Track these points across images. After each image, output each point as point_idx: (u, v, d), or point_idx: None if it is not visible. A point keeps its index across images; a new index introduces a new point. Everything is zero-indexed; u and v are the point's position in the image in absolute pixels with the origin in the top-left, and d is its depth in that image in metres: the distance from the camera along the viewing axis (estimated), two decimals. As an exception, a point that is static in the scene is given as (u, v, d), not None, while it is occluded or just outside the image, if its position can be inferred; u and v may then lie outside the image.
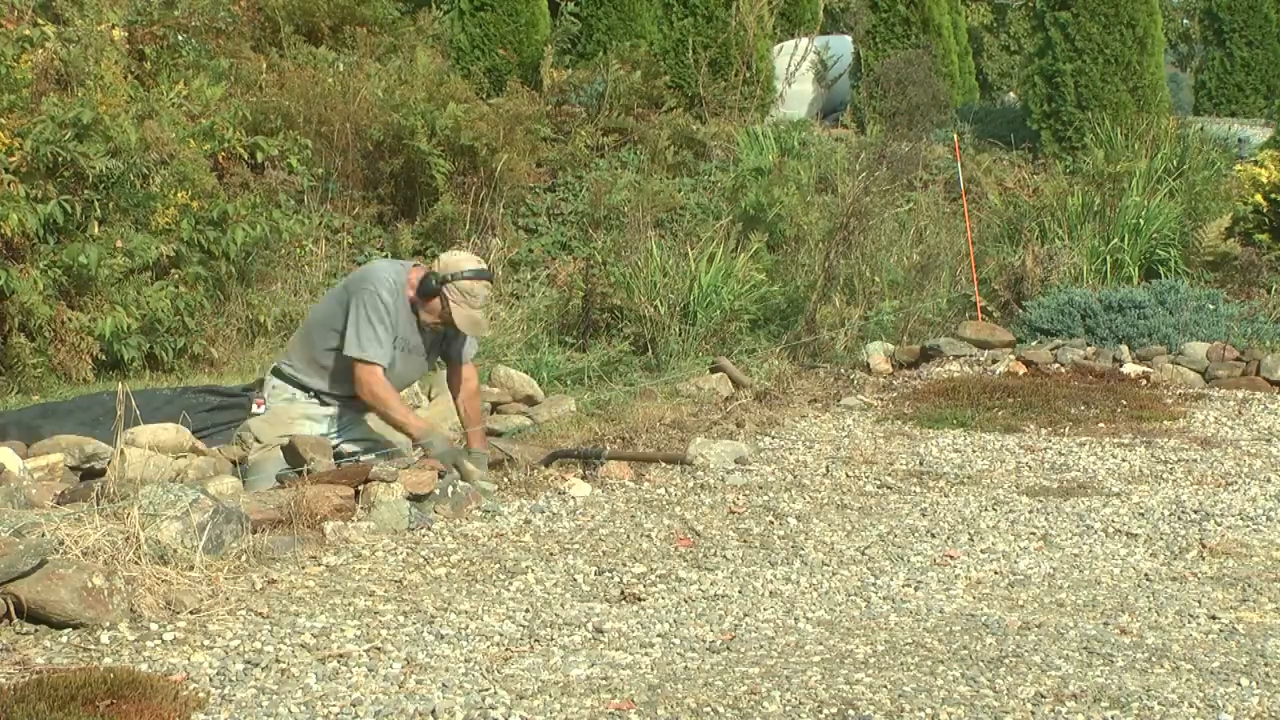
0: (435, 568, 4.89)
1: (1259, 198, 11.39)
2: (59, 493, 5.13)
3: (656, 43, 15.05)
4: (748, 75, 14.98)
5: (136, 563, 4.33)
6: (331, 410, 6.17)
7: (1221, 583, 5.03)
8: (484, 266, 6.14)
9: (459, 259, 6.10)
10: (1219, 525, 5.81)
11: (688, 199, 12.60)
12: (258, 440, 6.12)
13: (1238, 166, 12.43)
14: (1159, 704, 3.78)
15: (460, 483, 5.73)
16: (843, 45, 16.57)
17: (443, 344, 6.28)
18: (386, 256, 11.69)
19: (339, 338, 6.00)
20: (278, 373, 6.25)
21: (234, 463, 6.18)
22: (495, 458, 6.32)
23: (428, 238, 11.94)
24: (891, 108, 13.76)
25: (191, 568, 4.47)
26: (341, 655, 3.99)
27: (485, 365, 9.28)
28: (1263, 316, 9.90)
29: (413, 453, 6.10)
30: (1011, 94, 21.51)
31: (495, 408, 8.31)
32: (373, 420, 6.24)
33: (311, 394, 6.17)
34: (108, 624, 4.08)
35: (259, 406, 6.22)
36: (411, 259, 6.59)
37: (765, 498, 6.15)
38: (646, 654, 4.15)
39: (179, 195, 9.56)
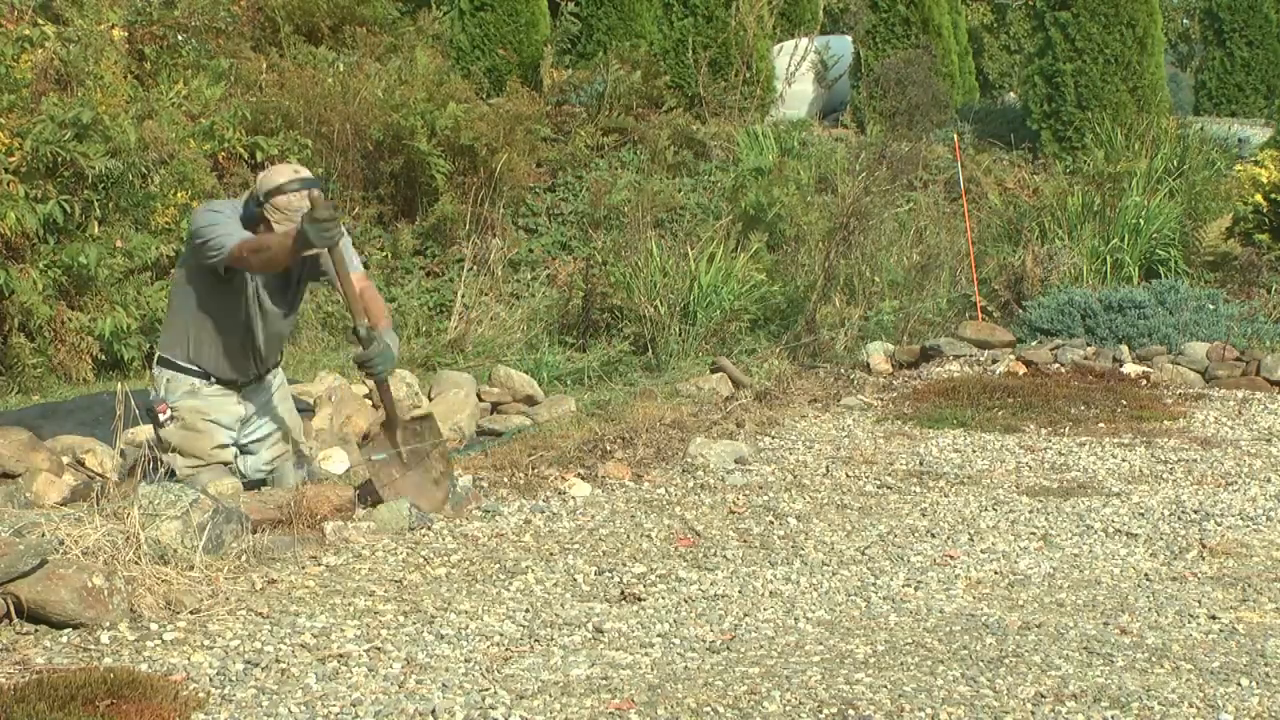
0: (435, 568, 4.89)
1: (1259, 198, 11.39)
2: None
3: (656, 43, 15.06)
4: (748, 75, 14.99)
5: (136, 563, 4.33)
6: (233, 396, 5.77)
7: (1221, 583, 5.03)
8: (303, 175, 5.56)
9: (273, 172, 5.59)
10: (1219, 525, 5.81)
11: (688, 199, 12.60)
12: (183, 455, 5.68)
13: (1238, 166, 12.44)
14: (1159, 704, 3.78)
15: (461, 482, 5.72)
16: (843, 45, 16.57)
17: (306, 273, 5.77)
18: (387, 257, 11.69)
19: (193, 275, 5.59)
20: (164, 363, 5.77)
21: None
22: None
23: (428, 238, 11.95)
24: (891, 108, 13.77)
25: (191, 568, 4.48)
26: (341, 655, 4.00)
27: (485, 365, 9.29)
28: (1263, 316, 9.90)
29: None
30: (1011, 94, 21.50)
31: (495, 408, 8.32)
32: (283, 408, 5.93)
33: (207, 377, 5.72)
34: (108, 624, 4.08)
35: (164, 413, 5.71)
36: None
37: (765, 498, 6.15)
38: (646, 654, 4.16)
39: (179, 195, 9.57)
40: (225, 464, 5.75)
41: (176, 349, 5.73)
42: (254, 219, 5.52)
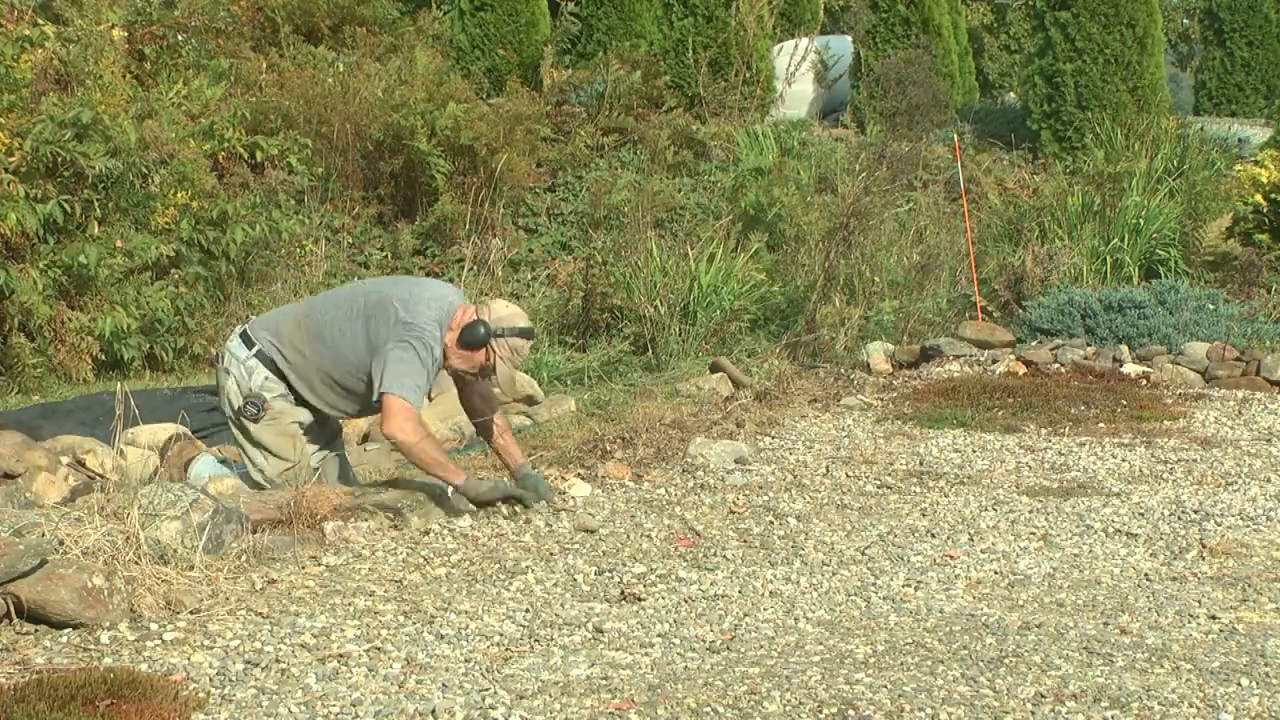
0: (435, 568, 4.89)
1: (1259, 198, 11.39)
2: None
3: (656, 43, 15.06)
4: (748, 75, 14.99)
5: (136, 563, 4.33)
6: (312, 420, 5.65)
7: (1221, 583, 5.03)
8: (531, 326, 5.68)
9: (512, 314, 5.56)
10: (1219, 525, 5.81)
11: (688, 199, 12.60)
12: (275, 457, 5.58)
13: (1238, 166, 12.44)
14: (1159, 704, 3.78)
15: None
16: (843, 45, 16.58)
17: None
18: (387, 257, 11.68)
19: (365, 368, 5.41)
20: (262, 359, 5.55)
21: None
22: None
23: (428, 238, 11.96)
24: (891, 108, 13.77)
25: (191, 568, 4.47)
26: (341, 655, 3.99)
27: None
28: (1263, 316, 9.90)
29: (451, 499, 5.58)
30: (1011, 94, 21.51)
31: (495, 408, 8.31)
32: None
33: (297, 399, 5.59)
34: (108, 624, 4.08)
35: (263, 409, 5.52)
36: (453, 288, 5.83)
37: (765, 498, 6.15)
38: (646, 654, 4.15)
39: (179, 195, 9.57)
40: (315, 469, 5.63)
41: (287, 363, 5.53)
42: (478, 344, 5.43)
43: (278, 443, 5.57)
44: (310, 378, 5.53)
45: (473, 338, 5.42)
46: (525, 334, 5.56)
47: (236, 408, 5.57)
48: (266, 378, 5.53)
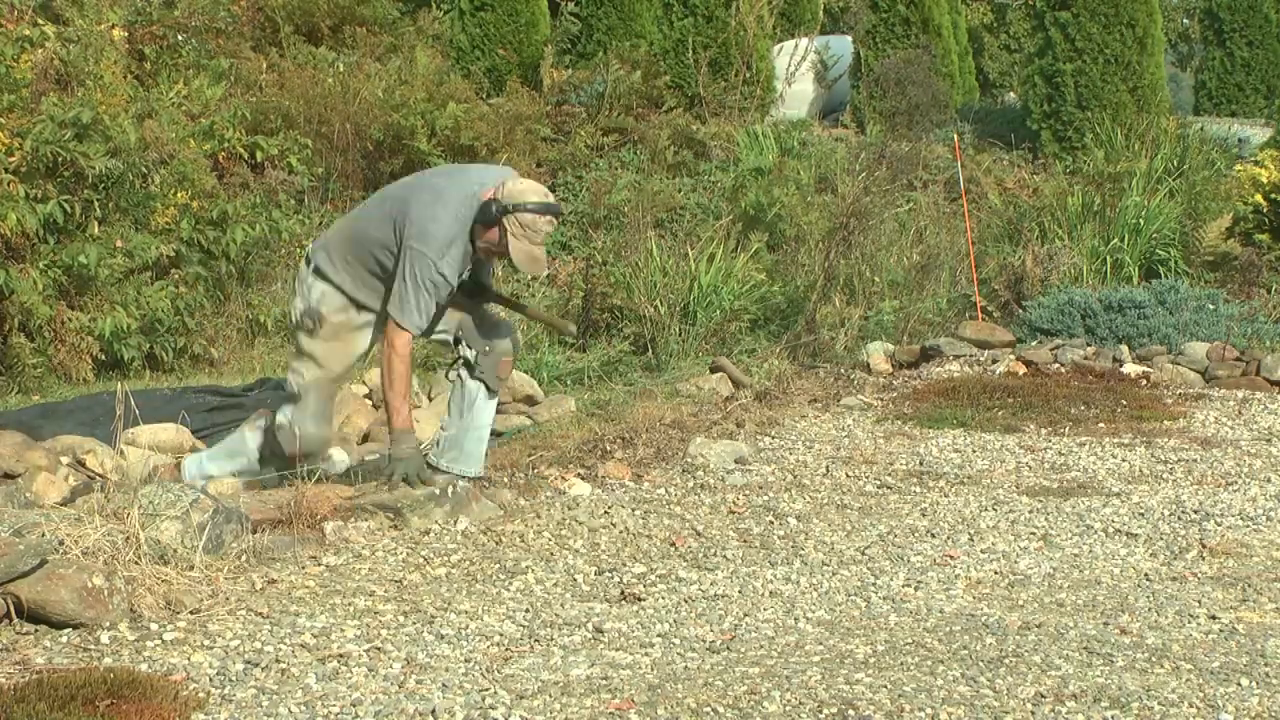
0: (435, 568, 4.89)
1: (1259, 198, 11.39)
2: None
3: (656, 43, 15.06)
4: (748, 75, 14.99)
5: (136, 563, 4.33)
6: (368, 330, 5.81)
7: (1221, 583, 5.03)
8: (551, 201, 5.60)
9: (524, 188, 5.56)
10: (1219, 525, 5.81)
11: (688, 199, 12.60)
12: (319, 366, 5.73)
13: (1238, 166, 12.43)
14: (1159, 704, 3.78)
15: (462, 482, 5.73)
16: (843, 45, 16.58)
17: (475, 276, 5.86)
18: None
19: (391, 270, 5.57)
20: (320, 275, 5.72)
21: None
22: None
23: (428, 238, 11.94)
24: (891, 108, 13.77)
25: (191, 568, 4.48)
26: (341, 655, 4.00)
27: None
28: (1263, 316, 9.90)
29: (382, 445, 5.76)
30: (1011, 94, 21.51)
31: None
32: None
33: (357, 305, 5.74)
34: (108, 624, 4.08)
35: (317, 321, 5.70)
36: (494, 171, 5.94)
37: (765, 498, 6.15)
38: (646, 654, 4.16)
39: (179, 195, 9.56)
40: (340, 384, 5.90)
41: (339, 269, 5.68)
42: (490, 222, 5.50)
43: (327, 355, 5.73)
44: (361, 278, 5.67)
45: (484, 217, 5.50)
46: (542, 210, 5.51)
47: (295, 320, 5.81)
48: (324, 293, 5.69)
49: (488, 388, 5.86)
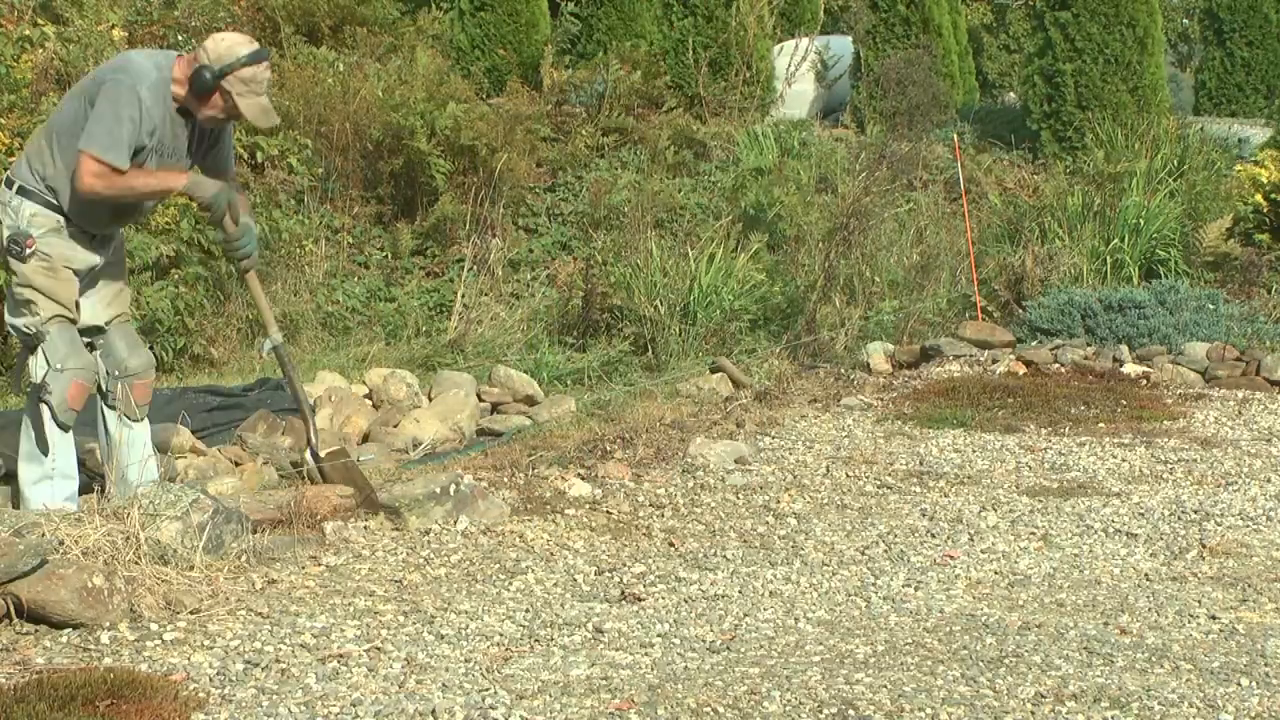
0: (435, 568, 4.89)
1: (1259, 198, 11.39)
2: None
3: (656, 43, 15.06)
4: (748, 75, 14.98)
5: (136, 563, 4.33)
6: (93, 246, 5.30)
7: (1221, 583, 5.03)
8: (258, 46, 5.27)
9: (230, 43, 5.19)
10: (1219, 525, 5.81)
11: (688, 199, 12.60)
12: (46, 299, 5.15)
13: (1238, 166, 12.43)
14: (1159, 704, 3.78)
15: (462, 482, 5.72)
16: (843, 45, 16.57)
17: (207, 145, 5.44)
18: (386, 257, 11.68)
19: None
20: (25, 194, 5.19)
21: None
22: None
23: (427, 238, 11.95)
24: (891, 108, 13.76)
25: (191, 568, 4.48)
26: (341, 655, 4.00)
27: (485, 365, 9.29)
28: (1263, 316, 9.90)
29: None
30: (1011, 94, 21.50)
31: (495, 408, 8.31)
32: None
33: (69, 221, 5.21)
34: (108, 624, 4.08)
35: (29, 247, 5.14)
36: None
37: (765, 498, 6.15)
38: (646, 654, 4.16)
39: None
40: (73, 320, 5.25)
41: (49, 192, 5.20)
42: (210, 89, 5.12)
43: (50, 285, 5.18)
44: (64, 187, 5.17)
45: (201, 85, 5.13)
46: (255, 58, 5.18)
47: (4, 247, 5.24)
48: (33, 213, 5.19)
49: (128, 417, 5.48)
